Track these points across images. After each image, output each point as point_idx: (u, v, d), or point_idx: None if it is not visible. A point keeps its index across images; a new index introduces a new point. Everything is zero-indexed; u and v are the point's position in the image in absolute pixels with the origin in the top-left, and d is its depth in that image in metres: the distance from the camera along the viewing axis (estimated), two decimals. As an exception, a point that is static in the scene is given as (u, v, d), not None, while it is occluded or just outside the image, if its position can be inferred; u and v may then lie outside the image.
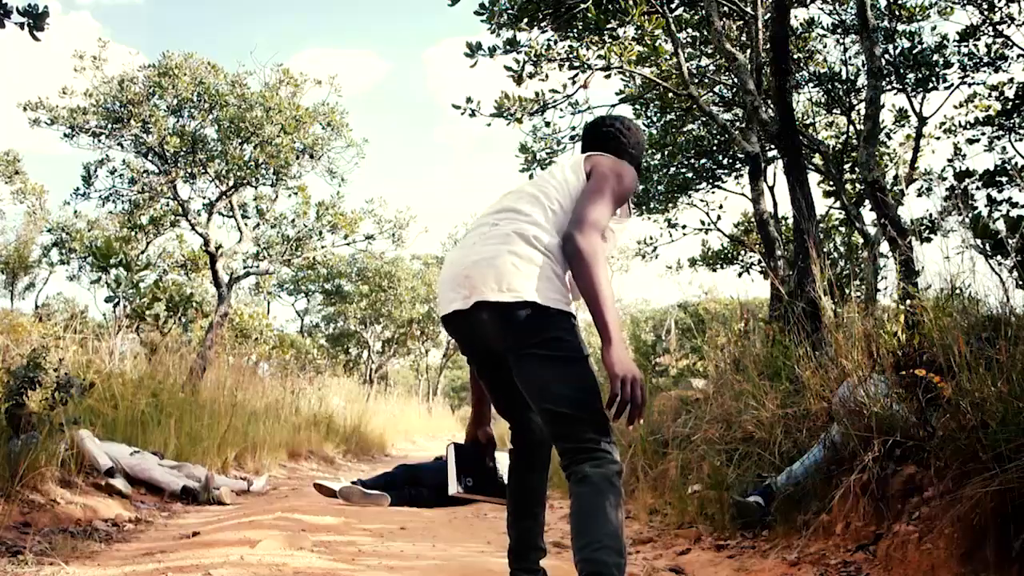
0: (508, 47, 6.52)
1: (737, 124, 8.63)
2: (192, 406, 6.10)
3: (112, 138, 10.40)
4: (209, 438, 5.84)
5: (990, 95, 8.40)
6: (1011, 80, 8.22)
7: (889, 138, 9.33)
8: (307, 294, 25.36)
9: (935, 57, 8.14)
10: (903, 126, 9.39)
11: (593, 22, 6.60)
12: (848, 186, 8.75)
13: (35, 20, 3.07)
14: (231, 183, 10.68)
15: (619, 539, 1.68)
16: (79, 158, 18.03)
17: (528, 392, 1.83)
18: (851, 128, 8.65)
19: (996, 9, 7.70)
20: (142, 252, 12.32)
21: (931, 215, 8.68)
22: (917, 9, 8.08)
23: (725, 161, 10.15)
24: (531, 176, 2.00)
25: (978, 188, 7.52)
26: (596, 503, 1.69)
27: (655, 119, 9.59)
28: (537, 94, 6.75)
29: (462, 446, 2.16)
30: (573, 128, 7.35)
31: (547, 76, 6.69)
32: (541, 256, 1.84)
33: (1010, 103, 7.95)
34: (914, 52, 8.11)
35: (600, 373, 3.06)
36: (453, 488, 2.11)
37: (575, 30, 6.93)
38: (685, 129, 9.81)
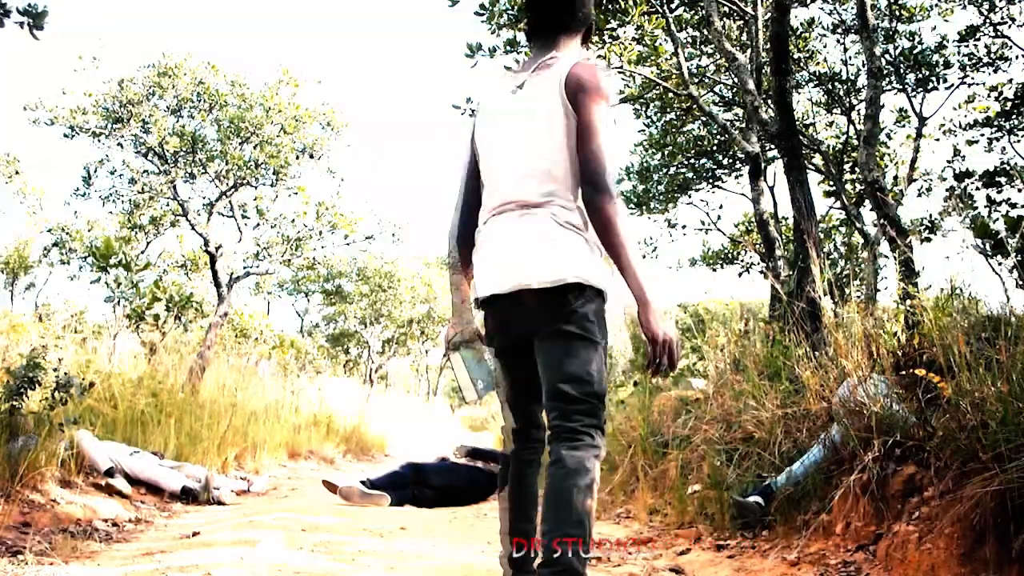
0: (508, 47, 6.52)
1: (737, 124, 8.63)
2: (192, 406, 6.10)
3: (112, 138, 10.39)
4: (209, 438, 5.83)
5: (989, 95, 8.41)
6: (1010, 81, 8.24)
7: (889, 138, 9.34)
8: (307, 294, 25.35)
9: (935, 57, 8.16)
10: (903, 126, 9.40)
11: (593, 22, 6.60)
12: (848, 186, 8.75)
13: (35, 19, 3.06)
14: (231, 183, 10.66)
15: (583, 526, 1.70)
16: (79, 158, 18.04)
17: (543, 367, 1.87)
18: (851, 128, 8.65)
19: (996, 9, 7.71)
20: (142, 252, 12.30)
21: (931, 215, 8.70)
22: (917, 9, 8.09)
23: (725, 161, 10.16)
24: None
25: (978, 189, 7.53)
26: (564, 487, 1.72)
27: (655, 119, 9.59)
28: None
29: (466, 349, 2.05)
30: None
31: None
32: (578, 237, 1.86)
33: (1009, 104, 7.96)
34: (914, 52, 8.12)
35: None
36: (472, 395, 2.03)
37: (575, 30, 6.93)
38: (685, 129, 9.81)
